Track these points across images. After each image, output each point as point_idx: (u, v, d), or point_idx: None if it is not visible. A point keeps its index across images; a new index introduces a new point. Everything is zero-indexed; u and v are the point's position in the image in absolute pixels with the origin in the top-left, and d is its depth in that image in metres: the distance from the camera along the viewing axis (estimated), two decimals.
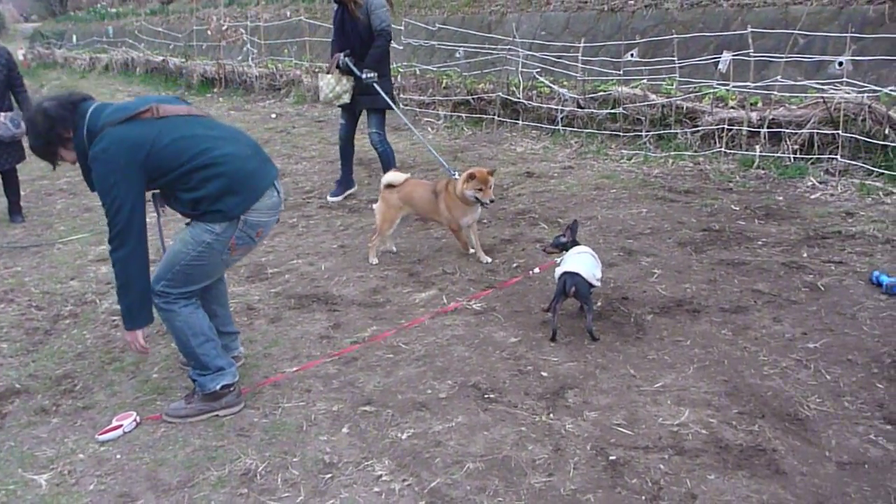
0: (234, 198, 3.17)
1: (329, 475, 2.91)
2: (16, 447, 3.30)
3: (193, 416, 3.40)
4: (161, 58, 17.42)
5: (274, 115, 11.02)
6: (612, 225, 5.41)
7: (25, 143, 5.02)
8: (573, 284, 3.77)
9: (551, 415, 3.21)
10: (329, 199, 6.63)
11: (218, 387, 3.37)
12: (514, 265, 4.83)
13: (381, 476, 2.88)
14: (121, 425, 3.33)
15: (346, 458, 3.01)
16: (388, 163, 6.29)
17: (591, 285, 3.84)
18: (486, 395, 3.38)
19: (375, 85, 5.96)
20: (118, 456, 3.15)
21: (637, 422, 3.11)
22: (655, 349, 3.68)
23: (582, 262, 3.88)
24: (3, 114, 6.42)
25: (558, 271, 3.88)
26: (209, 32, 15.47)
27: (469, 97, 9.07)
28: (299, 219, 6.12)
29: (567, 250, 4.07)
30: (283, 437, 3.18)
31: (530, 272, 4.55)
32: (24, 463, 3.17)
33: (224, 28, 14.82)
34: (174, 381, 3.74)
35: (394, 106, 6.05)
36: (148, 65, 17.74)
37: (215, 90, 14.08)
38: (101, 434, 3.31)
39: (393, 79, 10.00)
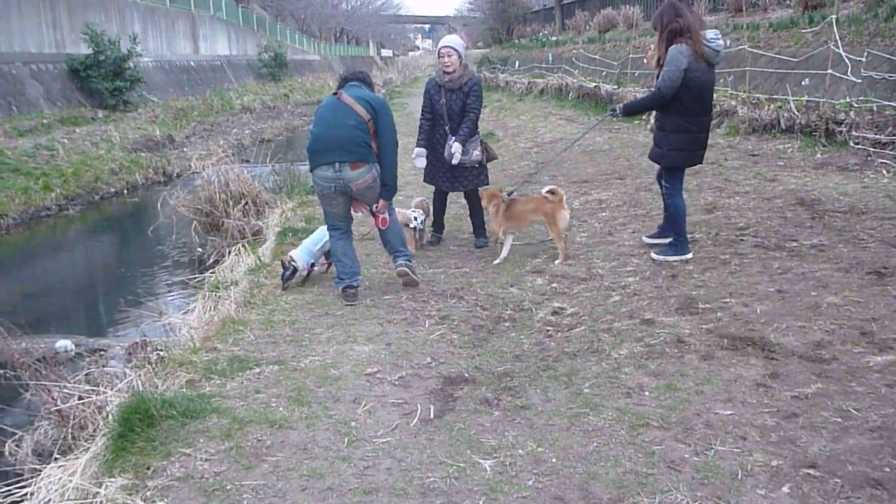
0: (309, 158, 5.50)
1: None
2: (464, 430, 3.69)
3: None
4: (593, 84, 18.23)
5: None
6: None
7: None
8: None
9: None
10: None
11: (339, 289, 5.62)
12: None
13: None
14: None
15: None
16: (671, 216, 6.02)
17: None
18: None
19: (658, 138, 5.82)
20: (553, 460, 3.34)
21: None
22: None
23: None
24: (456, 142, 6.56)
25: None
26: (645, 60, 15.76)
27: None
28: (731, 256, 5.87)
29: None
30: (717, 480, 3.07)
31: None
32: (472, 446, 3.52)
33: None
34: (605, 399, 3.85)
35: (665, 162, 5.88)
36: (580, 90, 18.65)
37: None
38: None
39: (844, 114, 9.19)
